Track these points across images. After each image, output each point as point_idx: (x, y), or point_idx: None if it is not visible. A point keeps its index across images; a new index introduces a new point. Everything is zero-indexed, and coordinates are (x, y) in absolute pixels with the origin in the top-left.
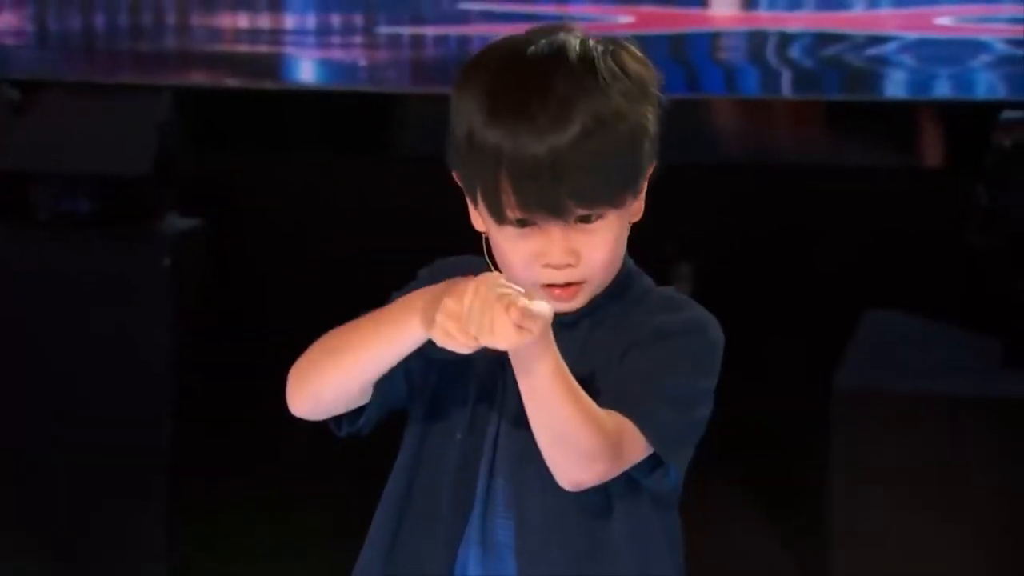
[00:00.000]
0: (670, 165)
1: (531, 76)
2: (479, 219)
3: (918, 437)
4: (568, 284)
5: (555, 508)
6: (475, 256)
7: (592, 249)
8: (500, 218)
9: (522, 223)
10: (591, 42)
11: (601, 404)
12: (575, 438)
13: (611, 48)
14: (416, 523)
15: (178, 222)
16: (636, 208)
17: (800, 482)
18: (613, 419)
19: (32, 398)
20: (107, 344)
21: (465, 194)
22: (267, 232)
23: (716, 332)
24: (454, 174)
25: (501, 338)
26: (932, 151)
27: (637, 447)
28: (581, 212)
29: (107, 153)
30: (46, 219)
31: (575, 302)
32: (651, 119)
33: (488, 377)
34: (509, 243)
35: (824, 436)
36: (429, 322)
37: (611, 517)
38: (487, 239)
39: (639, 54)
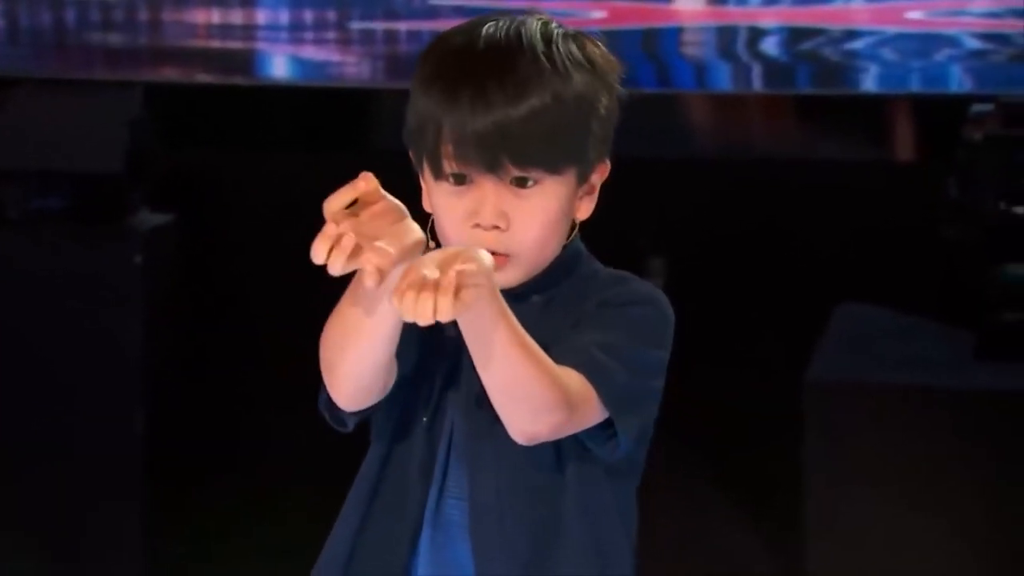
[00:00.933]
0: (644, 160)
1: (486, 45)
2: (425, 195)
3: (893, 429)
4: (495, 253)
5: (508, 486)
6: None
7: (523, 216)
8: (438, 172)
9: (458, 179)
10: (552, 24)
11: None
12: (528, 388)
13: (572, 32)
14: (386, 506)
15: (150, 218)
16: (585, 206)
17: (776, 475)
18: (566, 372)
19: (3, 396)
20: (79, 341)
21: (418, 173)
22: (239, 228)
23: (667, 306)
24: (410, 154)
25: (457, 304)
26: (904, 145)
27: (590, 404)
28: (516, 172)
29: (78, 150)
30: (17, 217)
31: (503, 277)
32: (604, 103)
33: (452, 360)
34: (445, 200)
35: (799, 429)
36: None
37: (565, 492)
38: (432, 221)
39: (601, 45)
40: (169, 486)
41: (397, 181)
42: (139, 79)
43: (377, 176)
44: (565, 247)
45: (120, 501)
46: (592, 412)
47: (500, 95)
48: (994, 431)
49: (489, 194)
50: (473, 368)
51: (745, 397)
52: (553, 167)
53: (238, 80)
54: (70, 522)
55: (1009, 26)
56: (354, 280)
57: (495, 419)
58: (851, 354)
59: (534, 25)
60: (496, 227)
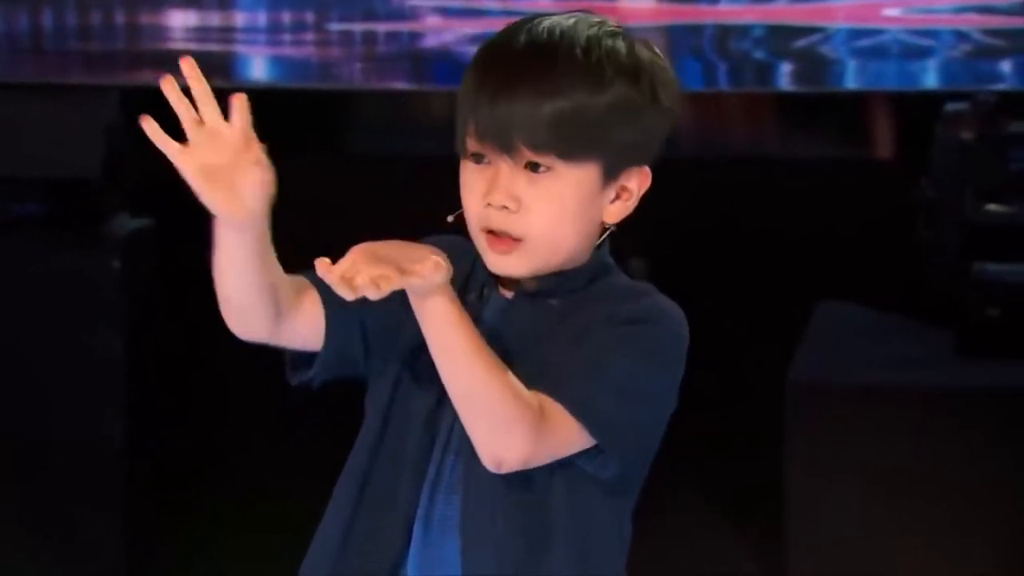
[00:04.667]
0: None
1: (528, 40)
2: None
3: (873, 428)
4: (505, 235)
5: (503, 487)
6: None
7: (535, 200)
8: (463, 150)
9: (477, 158)
10: (605, 25)
11: (531, 384)
12: (486, 400)
13: (623, 33)
14: (377, 500)
15: (128, 223)
16: (615, 209)
17: (758, 474)
18: (536, 396)
19: None
20: (59, 344)
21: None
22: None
23: (679, 323)
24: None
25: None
26: (881, 143)
27: (565, 432)
28: (530, 156)
29: (56, 155)
30: None
31: (510, 262)
32: (641, 108)
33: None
34: (468, 177)
35: (780, 428)
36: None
37: (557, 500)
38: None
39: (658, 53)
40: (150, 491)
41: (375, 185)
42: (116, 83)
43: (355, 179)
44: (592, 254)
45: (99, 502)
46: (570, 438)
47: (527, 85)
48: (975, 428)
49: (504, 175)
50: None
51: (727, 397)
52: (568, 155)
53: (216, 83)
54: (49, 525)
55: (982, 22)
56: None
57: None
58: (831, 353)
59: (583, 24)
60: (505, 207)
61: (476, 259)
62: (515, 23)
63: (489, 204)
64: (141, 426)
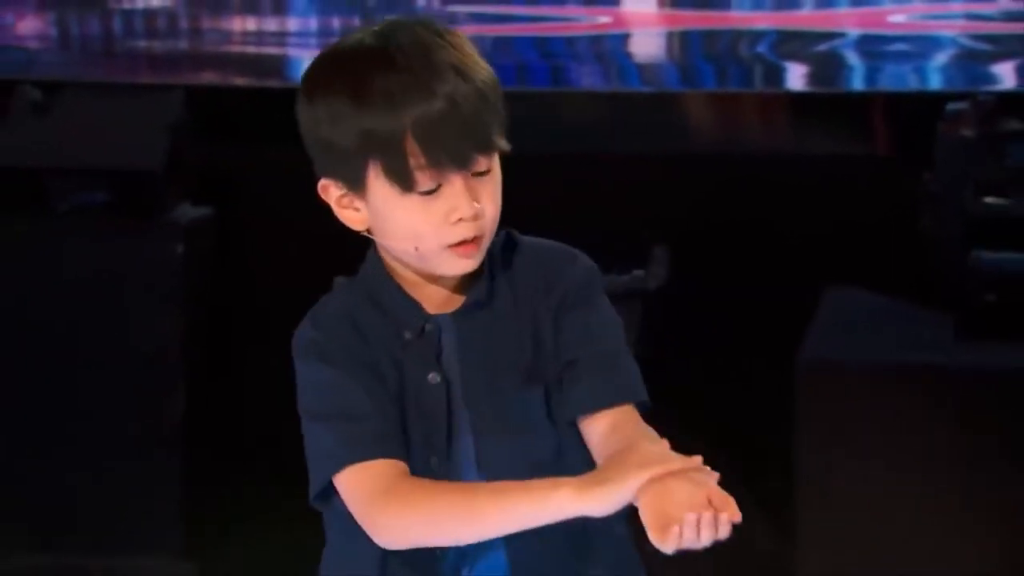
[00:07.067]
0: (647, 158)
1: (398, 51)
2: (355, 218)
3: (877, 405)
4: (475, 238)
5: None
6: (342, 282)
7: (488, 200)
8: (409, 186)
9: (427, 192)
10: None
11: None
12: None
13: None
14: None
15: (190, 211)
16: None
17: (768, 453)
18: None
19: (53, 383)
20: (123, 325)
21: (336, 198)
22: (272, 220)
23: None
24: (326, 180)
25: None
26: (887, 140)
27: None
28: (481, 160)
29: (123, 148)
30: (66, 211)
31: (475, 260)
32: (497, 82)
33: (435, 407)
34: (417, 212)
35: (791, 406)
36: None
37: None
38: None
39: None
40: (207, 473)
41: None
42: (180, 83)
43: None
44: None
45: (158, 489)
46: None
47: (457, 101)
48: (970, 406)
49: (462, 189)
50: (475, 399)
51: (741, 377)
52: (500, 147)
53: (272, 83)
54: (108, 509)
55: (988, 28)
56: (541, 488)
57: (516, 431)
58: (840, 336)
59: (417, 24)
60: (475, 215)
61: (368, 309)
62: (362, 42)
63: (460, 219)
64: (199, 406)
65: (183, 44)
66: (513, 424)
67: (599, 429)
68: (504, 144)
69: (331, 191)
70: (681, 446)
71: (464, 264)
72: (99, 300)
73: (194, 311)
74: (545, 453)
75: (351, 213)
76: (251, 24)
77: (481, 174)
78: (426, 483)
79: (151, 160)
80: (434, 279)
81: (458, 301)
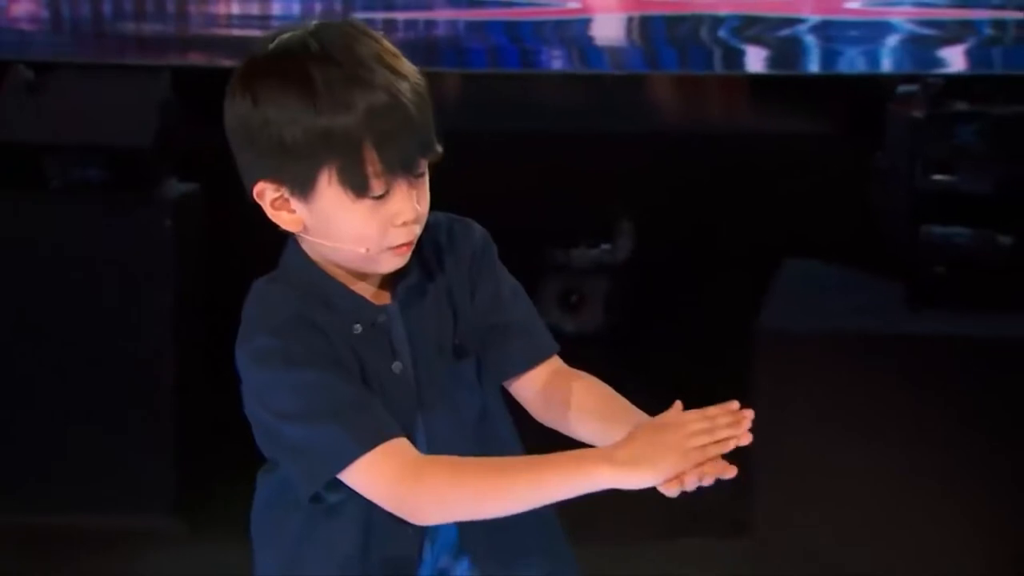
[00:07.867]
0: (614, 137)
1: (346, 55)
2: (290, 219)
3: (830, 371)
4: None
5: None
6: (269, 286)
7: (423, 202)
8: (364, 190)
9: (377, 197)
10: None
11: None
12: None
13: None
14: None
15: (178, 187)
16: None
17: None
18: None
19: (47, 354)
20: (115, 296)
21: (271, 200)
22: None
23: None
24: (264, 182)
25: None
26: (841, 120)
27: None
28: (424, 163)
29: (113, 127)
30: (59, 187)
31: (408, 255)
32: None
33: (404, 395)
34: (364, 216)
35: (748, 372)
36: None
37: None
38: (295, 237)
39: None
40: (201, 439)
41: None
42: (168, 64)
43: None
44: None
45: (153, 455)
46: None
47: (396, 89)
48: (924, 371)
49: (407, 194)
50: (427, 380)
51: (701, 343)
52: (439, 150)
53: None
54: (105, 474)
55: (936, 14)
56: (572, 462)
57: (453, 402)
58: (796, 304)
59: (342, 24)
60: (416, 219)
61: (319, 307)
62: (285, 57)
63: (404, 223)
64: (191, 372)
65: (171, 27)
66: (449, 395)
67: (534, 385)
68: (440, 148)
69: (267, 194)
70: (644, 409)
71: (400, 261)
72: (92, 272)
73: (183, 280)
74: (473, 415)
75: (286, 215)
76: (236, 8)
77: (419, 176)
78: (453, 459)
79: (140, 138)
80: (365, 274)
81: (390, 288)
